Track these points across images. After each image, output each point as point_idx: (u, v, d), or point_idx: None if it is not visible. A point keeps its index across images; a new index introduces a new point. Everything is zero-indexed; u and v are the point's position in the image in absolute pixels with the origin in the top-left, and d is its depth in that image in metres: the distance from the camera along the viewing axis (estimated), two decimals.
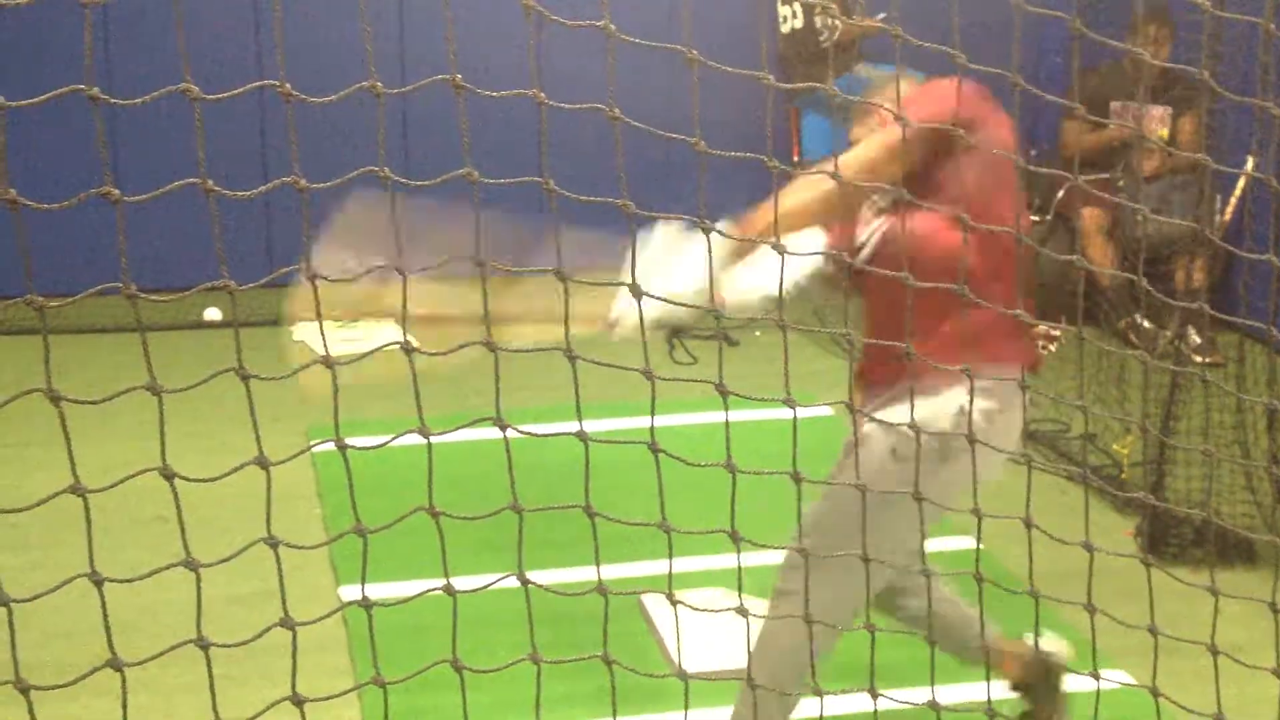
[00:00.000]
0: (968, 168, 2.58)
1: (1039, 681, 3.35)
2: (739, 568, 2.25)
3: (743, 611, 2.23)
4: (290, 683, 2.06)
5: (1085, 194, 5.77)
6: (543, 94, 1.86)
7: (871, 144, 2.78)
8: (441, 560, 2.10)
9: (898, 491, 2.42)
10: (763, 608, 2.95)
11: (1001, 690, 3.27)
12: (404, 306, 1.89)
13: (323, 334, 1.96)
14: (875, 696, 2.35)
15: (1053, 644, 3.34)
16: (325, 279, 1.81)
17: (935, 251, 2.52)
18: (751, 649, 2.73)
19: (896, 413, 2.59)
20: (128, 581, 1.87)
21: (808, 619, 2.34)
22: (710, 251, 2.28)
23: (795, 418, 2.12)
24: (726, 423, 2.10)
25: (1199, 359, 5.83)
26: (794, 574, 2.83)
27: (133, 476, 1.86)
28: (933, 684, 2.40)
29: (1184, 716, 2.58)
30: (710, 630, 3.58)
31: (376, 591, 2.10)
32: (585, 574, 2.16)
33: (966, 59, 2.13)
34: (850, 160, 2.71)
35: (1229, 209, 6.25)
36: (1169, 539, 4.36)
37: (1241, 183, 6.03)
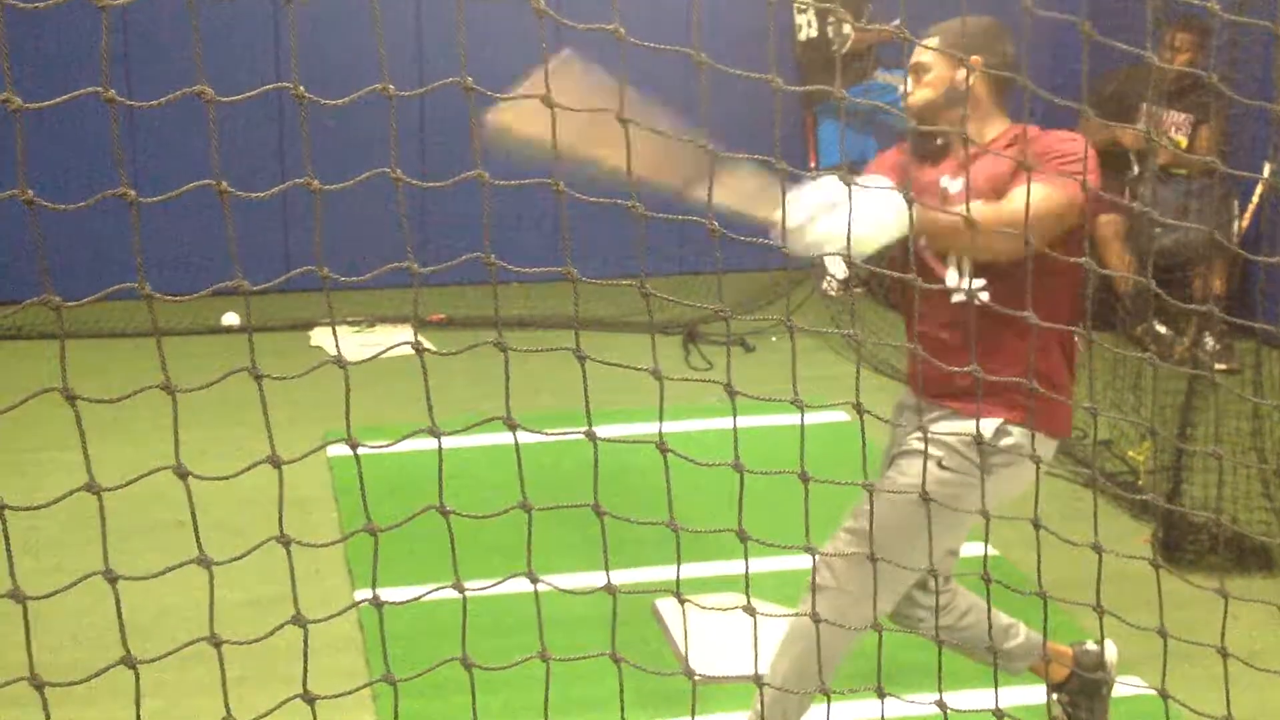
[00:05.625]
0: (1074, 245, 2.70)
1: (1084, 689, 3.35)
2: (745, 566, 2.25)
3: (750, 610, 2.23)
4: (303, 684, 2.07)
5: (1102, 200, 5.77)
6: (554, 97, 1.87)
7: (1055, 195, 2.77)
8: (451, 558, 2.10)
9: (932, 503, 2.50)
10: (774, 611, 2.96)
11: (1009, 695, 3.26)
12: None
13: (336, 338, 1.97)
14: (883, 697, 2.35)
15: (1107, 651, 3.35)
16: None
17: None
18: (783, 638, 2.82)
19: (945, 427, 2.86)
20: (142, 579, 1.88)
21: (814, 617, 2.35)
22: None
23: (803, 419, 2.12)
24: (734, 423, 2.10)
25: (1217, 366, 5.80)
26: (830, 572, 2.88)
27: (147, 475, 1.87)
28: (940, 688, 2.40)
29: None
30: (725, 636, 3.59)
31: (392, 595, 2.11)
32: (600, 578, 2.17)
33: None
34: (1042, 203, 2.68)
35: (1246, 215, 6.23)
36: (1185, 546, 4.34)
37: (1260, 189, 6.00)
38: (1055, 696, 3.38)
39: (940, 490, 2.61)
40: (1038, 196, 2.55)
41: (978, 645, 3.12)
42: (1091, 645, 3.35)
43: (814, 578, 2.89)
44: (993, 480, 2.82)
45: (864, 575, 2.75)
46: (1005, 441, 2.85)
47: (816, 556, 2.71)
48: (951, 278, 2.92)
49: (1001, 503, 2.80)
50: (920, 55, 3.00)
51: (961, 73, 2.92)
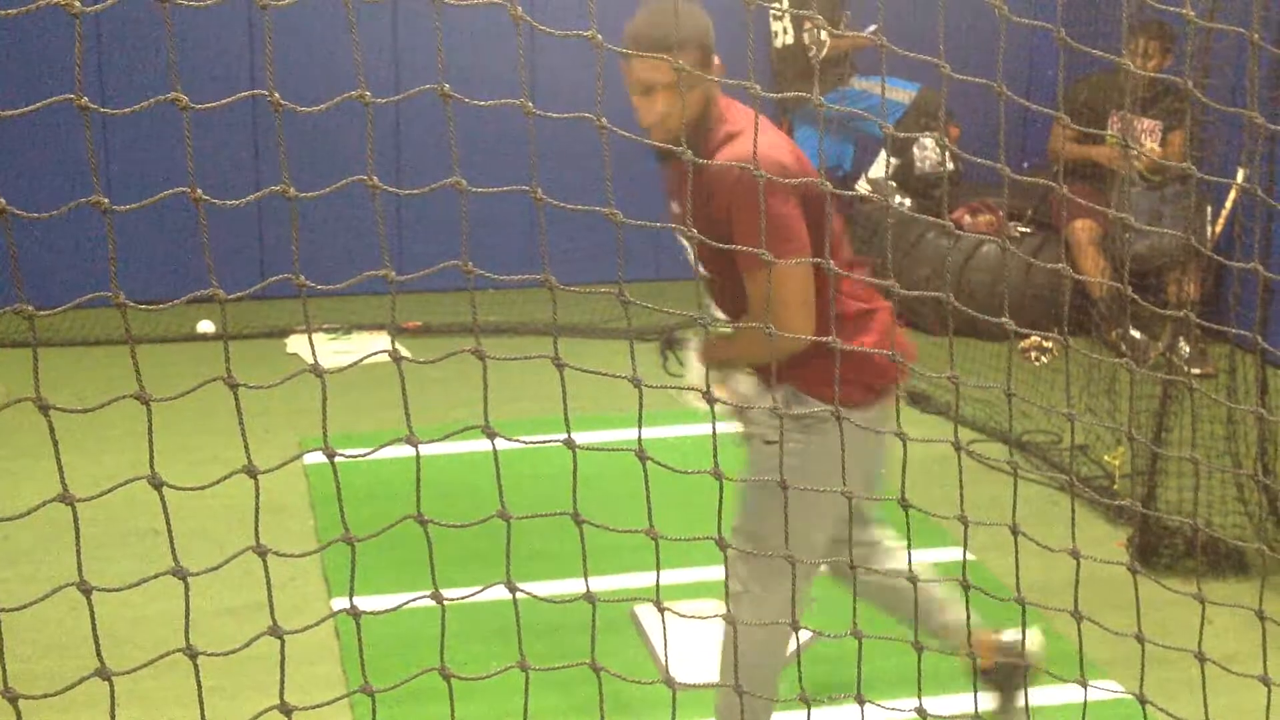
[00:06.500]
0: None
1: (1004, 677, 3.32)
2: (725, 572, 2.25)
3: (729, 619, 2.23)
4: (280, 695, 2.06)
5: (1077, 206, 5.80)
6: (531, 104, 1.87)
7: (786, 294, 2.73)
8: (430, 568, 2.09)
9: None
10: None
11: (988, 702, 3.27)
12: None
13: (312, 345, 1.96)
14: (862, 704, 2.35)
15: (1031, 640, 3.31)
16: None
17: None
18: (718, 657, 2.81)
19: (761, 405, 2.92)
20: (116, 590, 1.87)
21: (783, 623, 2.35)
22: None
23: (781, 425, 2.12)
24: (714, 430, 2.10)
25: (1192, 370, 5.82)
26: (736, 578, 2.90)
27: (120, 486, 1.86)
28: (920, 694, 2.40)
29: None
30: (702, 641, 3.59)
31: (369, 604, 2.10)
32: (579, 586, 2.16)
33: (954, 70, 2.14)
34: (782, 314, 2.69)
35: (1220, 221, 6.27)
36: (1160, 550, 4.36)
37: (1232, 195, 6.04)
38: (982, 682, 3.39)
39: (787, 461, 2.57)
40: (772, 287, 2.59)
41: (904, 603, 3.03)
42: (1009, 635, 3.31)
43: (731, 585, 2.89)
44: (821, 438, 2.80)
45: (765, 570, 2.77)
46: (800, 408, 2.83)
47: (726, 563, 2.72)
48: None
49: (853, 456, 2.57)
50: (641, 74, 2.78)
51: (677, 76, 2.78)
